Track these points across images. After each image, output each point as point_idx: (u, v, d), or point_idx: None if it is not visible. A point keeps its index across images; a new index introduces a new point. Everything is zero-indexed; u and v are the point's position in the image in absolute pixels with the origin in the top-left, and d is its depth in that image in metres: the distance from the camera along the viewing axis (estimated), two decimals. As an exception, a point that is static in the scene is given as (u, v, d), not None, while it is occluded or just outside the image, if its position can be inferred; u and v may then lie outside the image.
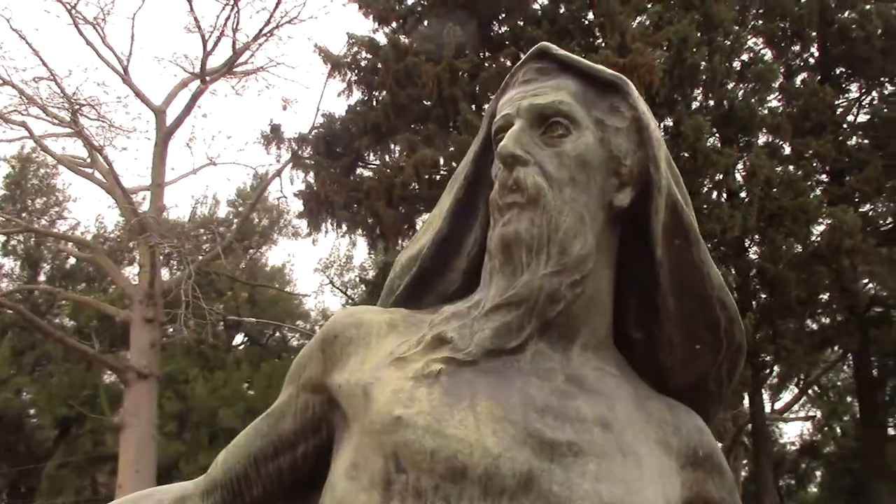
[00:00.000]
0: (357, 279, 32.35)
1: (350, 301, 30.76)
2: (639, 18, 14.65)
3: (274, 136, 17.18)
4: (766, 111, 15.59)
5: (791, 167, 15.05)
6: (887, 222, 14.80)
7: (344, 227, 15.42)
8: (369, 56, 15.69)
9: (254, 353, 29.63)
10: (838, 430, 20.45)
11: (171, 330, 21.16)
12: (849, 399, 21.37)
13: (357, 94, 16.41)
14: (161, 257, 19.12)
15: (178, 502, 2.11)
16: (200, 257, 18.27)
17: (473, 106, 14.57)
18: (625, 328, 1.99)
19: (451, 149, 14.20)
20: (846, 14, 16.25)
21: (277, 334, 30.53)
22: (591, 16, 15.11)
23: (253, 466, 2.01)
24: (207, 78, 18.72)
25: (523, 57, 2.02)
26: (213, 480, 2.07)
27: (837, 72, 16.77)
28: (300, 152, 16.96)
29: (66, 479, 25.64)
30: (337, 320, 1.95)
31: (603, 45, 13.57)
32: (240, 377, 27.20)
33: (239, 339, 32.13)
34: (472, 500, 1.59)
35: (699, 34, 14.20)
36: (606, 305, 1.89)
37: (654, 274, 1.92)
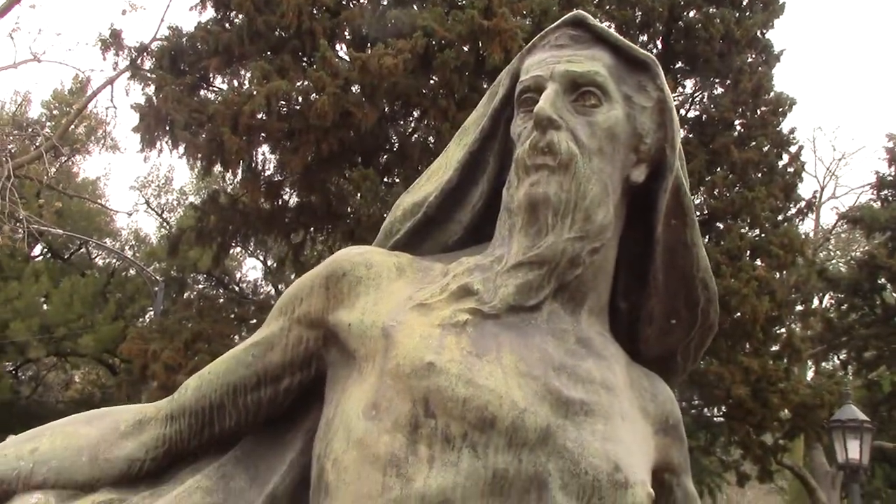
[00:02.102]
0: (175, 202, 31.16)
1: (165, 224, 29.63)
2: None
3: (113, 41, 16.10)
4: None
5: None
6: (704, 213, 15.81)
7: (181, 149, 14.74)
8: (228, -26, 14.98)
9: (54, 266, 27.98)
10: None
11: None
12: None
13: (210, 12, 15.64)
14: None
15: (137, 425, 2.03)
16: (16, 158, 16.96)
17: (332, 43, 14.27)
18: (613, 298, 2.08)
19: (305, 83, 13.88)
20: (692, 14, 17.13)
21: (83, 250, 28.95)
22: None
23: (230, 396, 1.96)
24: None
25: (557, 22, 2.04)
26: (181, 406, 2.00)
27: (677, 66, 17.65)
28: (140, 63, 16.01)
29: None
30: (345, 258, 1.92)
31: (471, 4, 13.61)
32: (37, 290, 25.64)
33: (38, 250, 30.20)
34: (497, 449, 1.64)
35: (558, 9, 14.53)
36: (610, 275, 1.98)
37: (651, 249, 2.02)
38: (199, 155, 14.81)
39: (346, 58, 14.15)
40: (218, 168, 15.44)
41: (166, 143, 15.06)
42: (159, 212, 30.92)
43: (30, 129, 23.24)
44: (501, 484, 1.63)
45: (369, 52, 13.44)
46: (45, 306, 26.12)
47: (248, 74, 15.01)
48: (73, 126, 24.97)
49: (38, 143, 17.17)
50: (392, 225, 2.10)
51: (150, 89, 15.15)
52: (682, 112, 17.99)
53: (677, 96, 17.68)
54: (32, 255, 29.40)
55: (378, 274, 1.88)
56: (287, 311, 1.95)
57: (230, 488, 1.93)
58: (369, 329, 1.78)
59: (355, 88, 13.91)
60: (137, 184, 31.18)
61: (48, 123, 25.52)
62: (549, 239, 1.82)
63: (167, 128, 14.66)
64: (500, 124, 2.06)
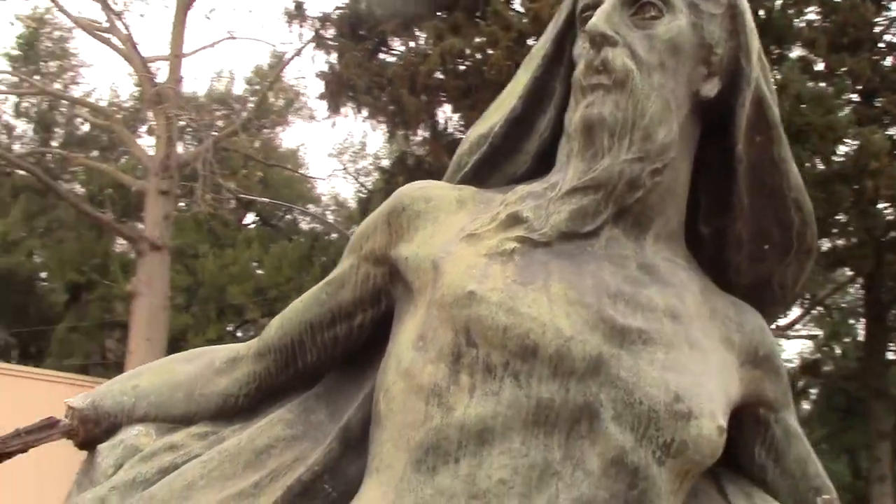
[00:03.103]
0: (371, 167, 32.24)
1: (362, 189, 30.78)
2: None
3: (297, 13, 16.78)
4: (803, 24, 15.16)
5: (823, 83, 14.73)
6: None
7: (365, 112, 15.24)
8: (400, -63, 15.22)
9: (264, 233, 29.79)
10: (838, 350, 20.65)
11: (182, 204, 21.23)
12: (851, 321, 21.46)
13: (386, -24, 16.01)
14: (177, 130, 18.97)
15: (230, 363, 2.12)
16: (217, 133, 18.12)
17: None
18: (694, 222, 1.96)
19: (479, 39, 13.90)
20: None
21: (289, 216, 30.63)
22: None
23: (308, 333, 2.01)
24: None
25: None
26: (266, 344, 2.08)
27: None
28: (323, 32, 16.61)
29: (76, 342, 26.14)
30: (405, 193, 1.92)
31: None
32: (249, 256, 27.42)
33: (250, 217, 32.26)
34: (542, 379, 1.59)
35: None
36: (682, 197, 1.86)
37: (732, 169, 1.88)
38: (382, 118, 15.22)
39: (521, 9, 14.03)
40: (401, 130, 15.81)
41: (351, 108, 15.59)
42: (356, 176, 32.10)
43: (236, 105, 24.74)
44: (546, 413, 1.58)
45: (542, 2, 13.24)
46: (258, 271, 27.86)
47: (424, 35, 15.23)
48: (272, 99, 26.37)
49: (235, 118, 18.19)
50: (460, 158, 2.07)
51: (333, 57, 15.68)
52: (888, 37, 16.56)
53: (881, 21, 16.29)
54: (244, 223, 31.50)
55: (437, 207, 1.86)
56: (355, 249, 1.97)
57: (310, 421, 1.99)
58: (423, 262, 1.78)
59: (530, 41, 13.79)
60: (335, 151, 32.49)
61: (251, 98, 26.98)
62: (605, 161, 1.74)
63: (350, 93, 15.14)
64: (565, 47, 1.97)
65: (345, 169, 32.15)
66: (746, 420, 1.95)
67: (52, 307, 30.40)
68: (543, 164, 1.97)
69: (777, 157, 1.88)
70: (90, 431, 2.11)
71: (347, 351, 2.01)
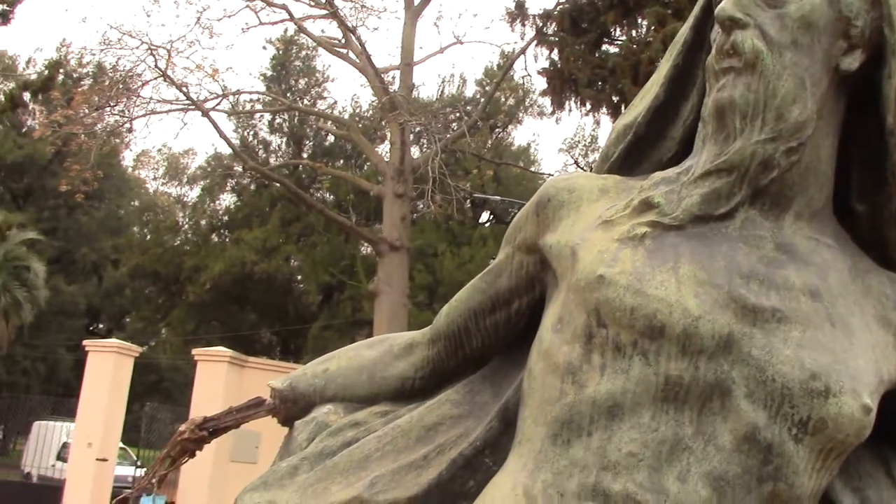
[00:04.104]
0: (602, 159, 31.96)
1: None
2: None
3: (518, 12, 17.09)
4: None
5: None
6: None
7: (588, 106, 15.25)
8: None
9: (499, 230, 30.44)
10: None
11: (420, 205, 22.20)
12: None
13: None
14: (411, 135, 19.90)
15: (407, 348, 2.32)
16: (448, 135, 18.81)
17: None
18: (848, 200, 1.92)
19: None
20: None
21: (521, 213, 31.07)
22: None
23: (472, 320, 2.17)
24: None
25: None
26: (437, 331, 2.25)
27: None
28: (545, 29, 16.80)
29: (329, 339, 28.01)
30: (551, 184, 2.03)
31: None
32: (485, 253, 28.15)
33: (485, 216, 33.13)
34: (670, 357, 1.65)
35: None
36: (826, 175, 1.83)
37: (884, 143, 1.83)
38: (606, 110, 15.17)
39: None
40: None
41: (574, 102, 15.65)
42: (587, 170, 31.98)
43: (468, 107, 25.47)
44: (676, 390, 1.64)
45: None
46: (493, 268, 28.49)
47: (645, 22, 15.00)
48: (501, 98, 26.92)
49: (463, 121, 18.81)
50: (608, 149, 2.14)
51: (555, 53, 15.82)
52: None
53: None
54: (479, 221, 32.37)
55: (579, 197, 1.95)
56: (510, 240, 2.11)
57: (475, 402, 2.15)
58: (563, 249, 1.87)
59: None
60: (565, 145, 32.66)
61: (481, 99, 27.66)
62: (737, 144, 1.76)
63: (573, 87, 15.21)
64: (705, 33, 1.99)
65: (576, 163, 32.22)
66: None
67: (308, 307, 32.87)
68: (689, 149, 2.01)
69: None
70: (289, 410, 2.39)
71: (508, 335, 2.15)
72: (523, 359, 2.13)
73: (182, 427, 2.39)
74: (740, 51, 1.76)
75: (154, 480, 2.38)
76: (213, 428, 2.40)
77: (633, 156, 2.09)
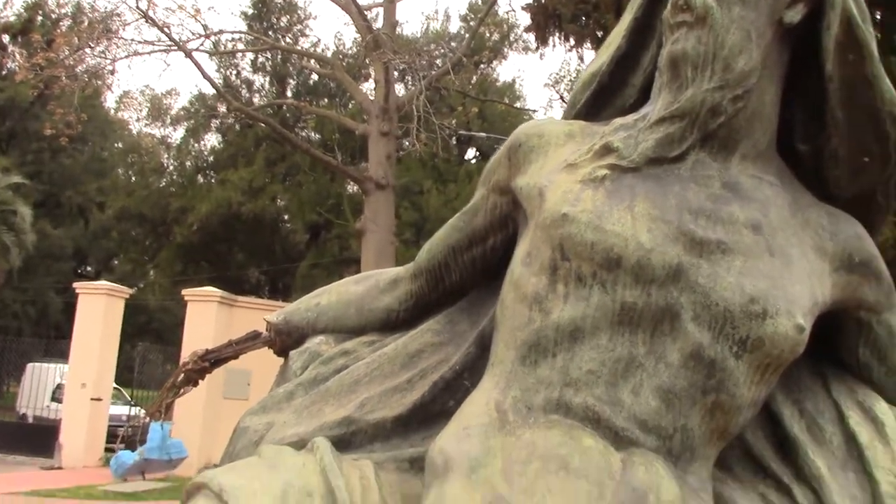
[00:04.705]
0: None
1: (579, 117, 30.52)
2: None
3: (502, -54, 16.98)
4: None
5: None
6: None
7: (572, 41, 15.25)
8: None
9: (484, 167, 30.47)
10: None
11: (406, 143, 22.23)
12: None
13: None
14: (395, 73, 19.83)
15: (392, 283, 2.51)
16: (433, 73, 18.78)
17: None
18: (792, 142, 2.10)
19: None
20: None
21: (506, 149, 31.04)
22: None
23: (451, 256, 2.36)
24: None
25: None
26: (419, 267, 2.44)
27: None
28: (529, -37, 16.69)
29: (317, 277, 28.19)
30: (522, 130, 2.20)
31: None
32: (471, 190, 27.85)
33: (471, 153, 33.16)
34: (626, 285, 1.84)
35: None
36: (770, 119, 2.01)
37: (823, 90, 2.00)
38: (590, 45, 15.17)
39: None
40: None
41: (558, 38, 15.64)
42: (572, 105, 31.89)
43: (453, 44, 25.29)
44: (630, 315, 1.84)
45: None
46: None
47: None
48: (488, 34, 26.73)
49: (448, 58, 18.75)
50: (574, 97, 2.31)
51: (539, -12, 15.73)
52: None
53: None
54: (465, 158, 32.42)
55: (547, 142, 2.12)
56: (485, 182, 2.28)
57: (455, 330, 2.35)
58: (532, 190, 2.05)
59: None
60: (550, 80, 32.55)
61: (465, 36, 27.46)
62: (688, 92, 1.92)
63: (556, 22, 15.19)
64: None
65: (561, 98, 32.16)
66: (848, 322, 2.09)
67: (295, 246, 33.01)
68: (649, 95, 2.18)
69: (869, 75, 1.97)
70: (284, 341, 2.59)
71: (485, 270, 2.34)
72: (498, 291, 2.32)
73: (185, 358, 2.59)
74: (692, 6, 1.92)
75: (162, 408, 2.58)
76: (214, 359, 2.60)
77: (598, 102, 2.26)
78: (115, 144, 39.39)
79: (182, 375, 2.59)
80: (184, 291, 17.67)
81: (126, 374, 21.16)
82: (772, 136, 2.03)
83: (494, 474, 1.72)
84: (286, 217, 33.36)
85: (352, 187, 27.65)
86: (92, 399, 16.70)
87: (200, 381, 2.63)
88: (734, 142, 1.97)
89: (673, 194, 1.92)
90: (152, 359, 21.70)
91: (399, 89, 22.50)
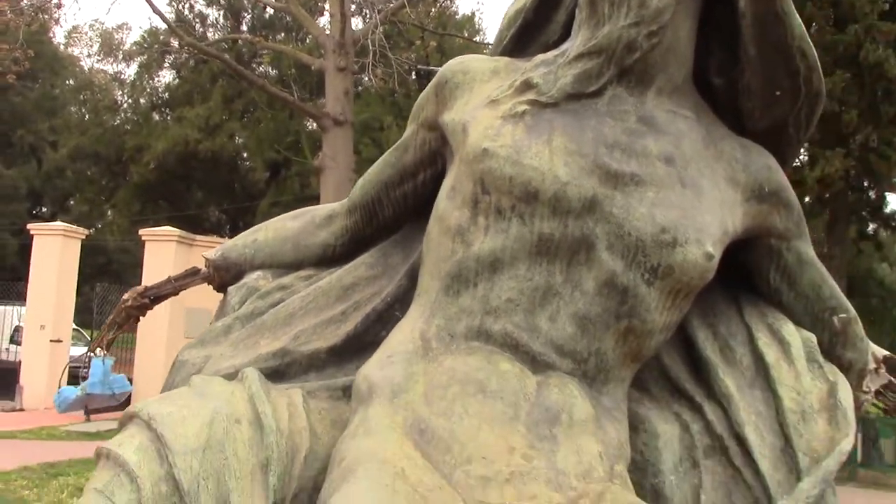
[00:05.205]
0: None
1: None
2: None
3: None
4: None
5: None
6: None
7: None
8: None
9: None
10: None
11: (364, 79, 21.99)
12: None
13: None
14: (352, 6, 19.51)
15: (327, 219, 2.57)
16: (389, 6, 18.51)
17: None
18: (708, 76, 2.17)
19: None
20: None
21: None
22: None
23: (384, 191, 2.41)
24: None
25: None
26: (353, 202, 2.50)
27: None
28: None
29: (277, 215, 27.99)
30: (448, 67, 2.24)
31: None
32: (430, 125, 28.02)
33: (429, 88, 32.82)
34: (543, 217, 1.92)
35: None
36: (685, 55, 2.07)
37: (737, 25, 2.06)
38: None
39: None
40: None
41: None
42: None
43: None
44: (548, 246, 1.92)
45: None
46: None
47: None
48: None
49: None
50: (501, 34, 2.35)
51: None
52: None
53: None
54: (424, 93, 32.11)
55: (472, 78, 2.17)
56: (415, 118, 2.33)
57: (388, 263, 2.42)
58: (457, 126, 2.11)
59: None
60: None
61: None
62: (605, 28, 1.98)
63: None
64: None
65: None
66: (759, 249, 2.20)
67: (255, 184, 32.75)
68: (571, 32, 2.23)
69: (780, 11, 2.03)
70: (223, 277, 2.64)
71: (416, 205, 2.40)
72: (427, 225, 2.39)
73: (126, 296, 2.64)
74: None
75: (103, 343, 2.63)
76: (154, 295, 2.64)
77: (524, 39, 2.30)
78: (67, 81, 38.50)
79: (123, 313, 2.64)
80: (141, 231, 17.54)
81: (86, 316, 21.07)
82: (688, 70, 2.10)
83: (415, 398, 1.81)
84: (245, 155, 33.04)
85: (310, 124, 27.37)
86: (51, 341, 16.65)
87: (141, 318, 2.68)
88: (650, 77, 2.03)
89: (590, 128, 1.98)
90: (112, 299, 21.54)
91: (356, 23, 22.17)
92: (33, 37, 23.56)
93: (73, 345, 18.31)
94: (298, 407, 1.97)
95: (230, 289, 2.59)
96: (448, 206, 2.03)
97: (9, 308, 21.04)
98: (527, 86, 2.04)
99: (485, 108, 2.07)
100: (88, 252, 20.40)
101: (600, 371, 1.94)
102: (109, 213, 36.60)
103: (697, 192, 1.98)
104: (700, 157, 2.04)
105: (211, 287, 2.70)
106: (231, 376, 2.13)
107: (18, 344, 18.76)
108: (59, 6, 20.49)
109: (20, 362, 17.22)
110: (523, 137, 1.96)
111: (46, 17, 21.45)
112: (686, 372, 2.19)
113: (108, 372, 14.26)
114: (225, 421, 1.87)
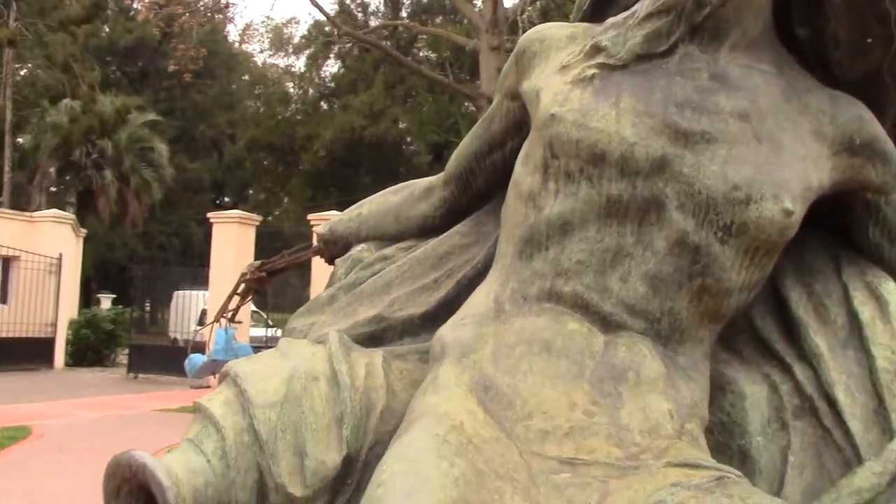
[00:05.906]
0: None
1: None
2: None
3: None
4: None
5: None
6: None
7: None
8: None
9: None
10: None
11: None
12: None
13: None
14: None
15: (426, 191, 2.67)
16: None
17: None
18: (791, 27, 2.10)
19: None
20: None
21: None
22: None
23: (475, 161, 2.49)
24: None
25: None
26: (449, 174, 2.58)
27: None
28: None
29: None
30: (526, 36, 2.28)
31: None
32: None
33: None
34: (611, 179, 1.93)
35: None
36: (760, 6, 2.01)
37: None
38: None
39: None
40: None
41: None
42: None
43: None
44: (616, 207, 1.92)
45: None
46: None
47: None
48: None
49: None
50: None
51: None
52: None
53: None
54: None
55: (549, 46, 2.20)
56: (500, 89, 2.38)
57: (482, 231, 2.49)
58: (532, 93, 2.15)
59: None
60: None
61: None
62: None
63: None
64: None
65: None
66: (856, 205, 2.11)
67: (419, 167, 33.43)
68: None
69: None
70: (331, 251, 2.80)
71: (506, 173, 2.44)
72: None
73: (244, 269, 2.84)
74: None
75: (226, 314, 2.85)
76: (270, 269, 2.84)
77: (603, 3, 2.30)
78: (242, 77, 40.63)
79: (242, 286, 2.84)
80: (310, 216, 18.36)
81: (263, 297, 22.30)
82: (765, 23, 2.03)
83: (483, 358, 1.88)
84: (408, 139, 33.82)
85: (469, 105, 27.67)
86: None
87: (260, 291, 2.89)
88: (723, 32, 1.99)
89: (659, 88, 1.97)
90: (291, 282, 22.70)
91: (509, 2, 22.23)
92: (208, 36, 25.02)
93: (253, 325, 19.42)
94: (377, 366, 2.09)
95: (337, 261, 2.74)
96: (522, 171, 2.08)
97: (195, 293, 22.59)
98: (596, 49, 2.05)
99: (556, 75, 2.09)
100: (267, 238, 21.54)
101: (674, 331, 1.94)
102: (285, 200, 38.45)
103: (775, 146, 1.93)
104: (780, 111, 1.98)
105: (323, 259, 2.86)
106: None
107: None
108: (227, 6, 21.66)
109: (206, 343, 18.44)
110: (591, 101, 1.97)
111: (220, 16, 22.72)
112: (778, 333, 2.14)
113: (230, 340, 14.97)
114: (303, 378, 2.01)
